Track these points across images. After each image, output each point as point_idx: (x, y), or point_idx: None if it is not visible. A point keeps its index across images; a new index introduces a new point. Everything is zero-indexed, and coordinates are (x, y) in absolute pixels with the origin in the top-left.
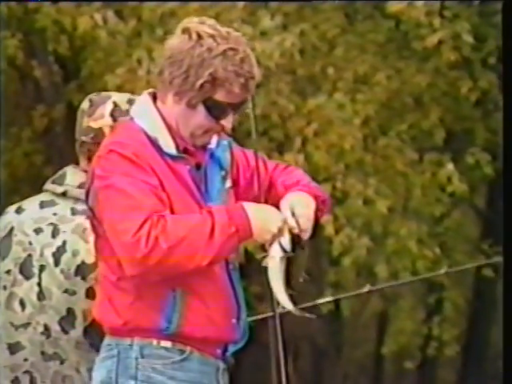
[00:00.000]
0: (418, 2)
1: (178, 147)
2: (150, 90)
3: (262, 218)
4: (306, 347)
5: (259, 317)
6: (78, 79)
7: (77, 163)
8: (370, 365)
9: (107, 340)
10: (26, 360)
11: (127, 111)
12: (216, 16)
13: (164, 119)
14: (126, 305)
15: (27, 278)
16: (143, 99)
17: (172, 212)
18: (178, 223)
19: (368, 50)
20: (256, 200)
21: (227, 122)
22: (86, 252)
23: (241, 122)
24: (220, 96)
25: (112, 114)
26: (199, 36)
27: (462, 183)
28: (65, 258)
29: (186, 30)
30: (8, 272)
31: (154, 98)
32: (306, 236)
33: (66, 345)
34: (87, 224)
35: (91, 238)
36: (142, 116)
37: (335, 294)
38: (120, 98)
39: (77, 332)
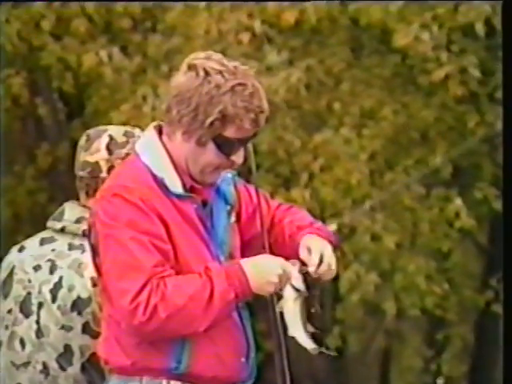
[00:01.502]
0: (424, 36)
1: (184, 186)
2: (156, 123)
3: (260, 272)
4: None
5: None
6: (82, 116)
7: (78, 199)
8: None
9: (114, 380)
10: None
11: (124, 144)
12: (222, 51)
13: (170, 156)
14: (134, 344)
15: (26, 316)
16: (149, 134)
17: (178, 253)
18: (177, 290)
19: (374, 84)
20: (258, 236)
21: (237, 158)
22: (82, 287)
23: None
24: (230, 132)
25: (108, 148)
26: (206, 72)
27: (470, 218)
28: (61, 293)
29: (192, 67)
30: (9, 311)
31: (160, 131)
32: (331, 276)
33: (64, 382)
34: (83, 259)
35: (86, 272)
36: (147, 153)
37: (343, 331)
38: (116, 131)
39: (74, 369)
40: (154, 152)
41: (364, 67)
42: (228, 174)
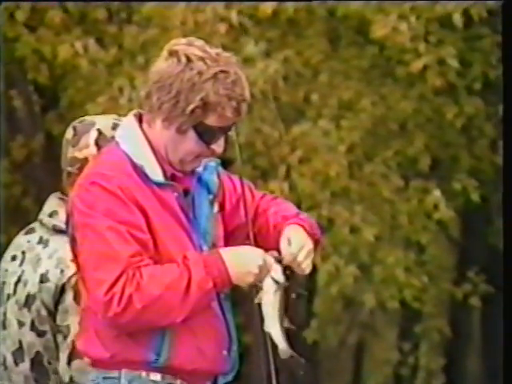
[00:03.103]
0: (402, 26)
1: (165, 174)
2: (135, 111)
3: (240, 262)
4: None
5: None
6: (57, 109)
7: (63, 192)
8: None
9: (92, 375)
10: None
11: (113, 137)
12: None
13: (150, 144)
14: (113, 337)
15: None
16: (128, 122)
17: (158, 243)
18: (153, 280)
19: (352, 76)
20: (242, 227)
21: (218, 147)
22: (32, 282)
23: (224, 148)
24: (211, 121)
25: (97, 143)
26: (188, 59)
27: (448, 210)
28: (19, 287)
29: (173, 53)
30: None
31: (140, 119)
32: (306, 271)
33: (16, 378)
34: (42, 254)
35: (39, 268)
36: (127, 141)
37: (321, 323)
38: (104, 123)
39: (25, 365)
40: (133, 140)
41: (342, 59)
42: (211, 163)
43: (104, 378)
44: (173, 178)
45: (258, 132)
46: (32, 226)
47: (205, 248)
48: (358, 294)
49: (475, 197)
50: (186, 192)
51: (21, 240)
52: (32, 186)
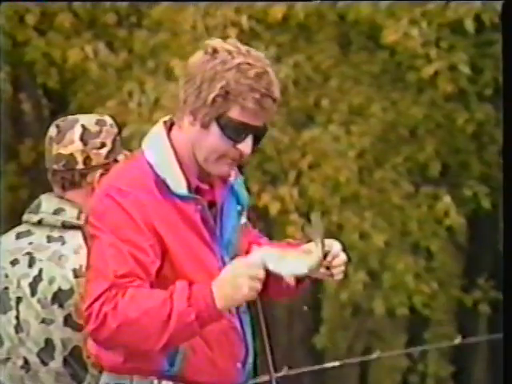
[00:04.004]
0: (413, 32)
1: (189, 186)
2: (166, 117)
3: (229, 288)
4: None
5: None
6: (66, 112)
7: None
8: None
9: (104, 378)
10: None
11: (97, 133)
12: None
13: (176, 154)
14: None
15: (4, 311)
16: (156, 130)
17: (173, 259)
18: (133, 302)
19: (363, 81)
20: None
21: (245, 147)
22: (62, 278)
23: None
24: (234, 113)
25: (82, 138)
26: (215, 50)
27: (459, 216)
28: (41, 286)
29: (204, 47)
30: None
31: (170, 127)
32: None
33: (45, 377)
34: (63, 251)
35: (67, 264)
36: (152, 150)
37: (330, 330)
38: (88, 119)
39: (56, 363)
40: (159, 149)
41: (352, 64)
42: (240, 178)
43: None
44: (198, 190)
45: (268, 137)
46: (20, 229)
47: (226, 259)
48: (368, 300)
49: (486, 203)
50: (211, 204)
51: (16, 245)
52: (39, 189)
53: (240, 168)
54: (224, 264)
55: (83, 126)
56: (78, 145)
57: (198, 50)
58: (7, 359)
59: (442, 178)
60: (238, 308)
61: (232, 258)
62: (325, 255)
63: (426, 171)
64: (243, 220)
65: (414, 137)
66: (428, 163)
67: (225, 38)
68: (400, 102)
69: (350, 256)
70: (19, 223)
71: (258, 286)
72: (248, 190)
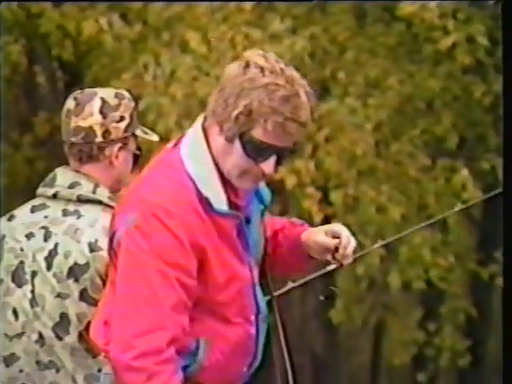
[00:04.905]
0: (431, 3)
1: (229, 202)
2: (202, 116)
3: None
4: (305, 359)
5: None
6: (81, 85)
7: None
8: (378, 375)
9: (109, 369)
10: (21, 371)
11: (116, 106)
12: (224, 19)
13: (216, 164)
14: None
15: (19, 285)
16: (195, 134)
17: (206, 270)
18: None
19: (379, 53)
20: None
21: (267, 167)
22: (79, 253)
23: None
24: (257, 133)
25: (101, 111)
26: (247, 64)
27: (476, 189)
28: (57, 260)
29: (240, 59)
30: (0, 282)
31: (205, 129)
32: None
33: (60, 352)
34: (79, 224)
35: (83, 238)
36: (193, 159)
37: (346, 304)
38: (107, 93)
39: (71, 337)
40: (200, 160)
41: (369, 36)
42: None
43: None
44: (236, 206)
45: None
46: (35, 203)
47: (253, 263)
48: (384, 273)
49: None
50: (248, 220)
51: (31, 218)
52: (55, 162)
53: None
54: (251, 268)
55: (102, 99)
56: (98, 118)
57: (213, 22)
58: (22, 333)
59: (459, 150)
60: (257, 315)
61: (256, 260)
62: (336, 248)
63: (443, 144)
64: (265, 216)
65: (430, 109)
66: (445, 136)
67: (240, 9)
68: (417, 75)
69: (367, 229)
70: (35, 195)
71: None
72: None
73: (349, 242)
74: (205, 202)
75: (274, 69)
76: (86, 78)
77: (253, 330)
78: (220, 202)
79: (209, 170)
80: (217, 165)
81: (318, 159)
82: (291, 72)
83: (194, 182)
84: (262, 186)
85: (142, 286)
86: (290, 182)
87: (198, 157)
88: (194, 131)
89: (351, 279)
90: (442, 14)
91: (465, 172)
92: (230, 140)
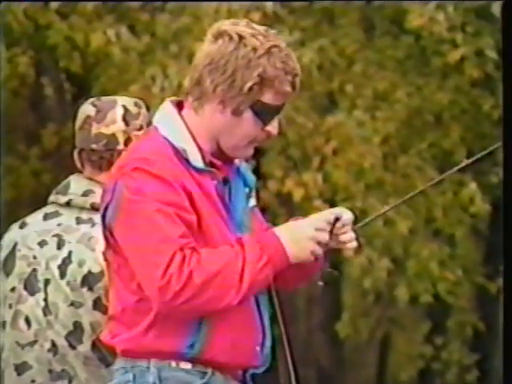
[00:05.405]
0: (439, 17)
1: (204, 160)
2: (172, 98)
3: (293, 238)
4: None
5: None
6: (89, 97)
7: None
8: None
9: (120, 363)
10: (33, 381)
11: (137, 115)
12: None
13: (190, 130)
14: (144, 329)
15: (32, 293)
16: (167, 108)
17: (201, 222)
18: (211, 256)
19: (387, 66)
20: None
21: (273, 128)
22: (93, 261)
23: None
24: (268, 98)
25: (124, 119)
26: (240, 36)
27: (484, 203)
28: (70, 269)
29: (222, 33)
30: (13, 289)
31: (178, 107)
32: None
33: (73, 361)
34: (93, 233)
35: (98, 246)
36: (166, 126)
37: (352, 317)
38: (127, 101)
39: (85, 347)
40: (173, 124)
41: (377, 48)
42: (244, 164)
43: (132, 367)
44: (211, 165)
45: (292, 122)
46: (47, 210)
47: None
48: (391, 287)
49: None
50: (225, 181)
51: (44, 226)
52: (62, 174)
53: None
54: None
55: (125, 107)
56: (121, 125)
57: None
58: (34, 342)
59: (468, 164)
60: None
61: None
62: (334, 222)
63: (451, 157)
64: (252, 203)
65: (439, 123)
66: (453, 149)
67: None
68: (425, 88)
69: (374, 243)
70: (41, 207)
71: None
72: (272, 175)
73: (347, 213)
74: (182, 158)
75: (262, 32)
76: (93, 89)
77: (253, 302)
78: (195, 158)
79: (181, 131)
80: (190, 130)
81: (326, 172)
82: (268, 30)
83: (169, 141)
84: (247, 170)
85: (149, 228)
86: (298, 194)
87: (169, 122)
88: (164, 105)
89: (358, 293)
90: (450, 27)
91: (473, 186)
92: (239, 113)
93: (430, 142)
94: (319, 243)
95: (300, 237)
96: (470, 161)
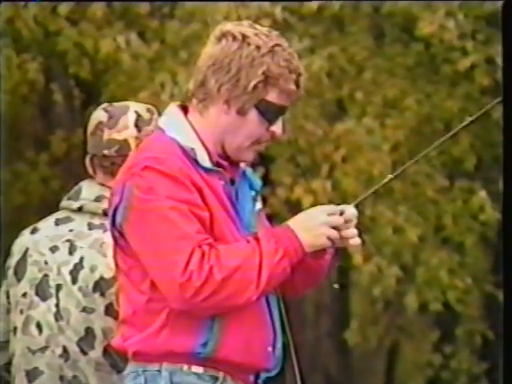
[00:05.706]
0: (449, 24)
1: (211, 160)
2: (176, 102)
3: (307, 226)
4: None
5: None
6: (98, 103)
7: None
8: None
9: (131, 367)
10: None
11: (149, 121)
12: None
13: (196, 131)
14: (156, 330)
15: (43, 299)
16: (172, 111)
17: (213, 220)
18: (230, 252)
19: (397, 73)
20: None
21: (277, 128)
22: (105, 267)
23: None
24: (272, 97)
25: (136, 125)
26: (244, 36)
27: (494, 211)
28: (82, 274)
29: (226, 34)
30: (24, 295)
31: (183, 111)
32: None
33: (85, 367)
34: (105, 238)
35: (109, 252)
36: (173, 127)
37: (361, 325)
38: (139, 107)
39: (96, 352)
40: (179, 126)
41: (387, 56)
42: (249, 168)
43: (144, 371)
44: (218, 165)
45: (301, 129)
46: (59, 216)
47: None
48: (400, 295)
49: None
50: (232, 182)
51: (55, 231)
52: (70, 181)
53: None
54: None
55: (137, 113)
56: (133, 131)
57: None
58: (45, 348)
59: (477, 172)
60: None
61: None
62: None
63: (461, 165)
64: (258, 206)
65: (448, 130)
66: (463, 157)
67: None
68: (435, 95)
69: (384, 250)
70: (50, 213)
71: (337, 234)
72: (281, 182)
73: (350, 209)
74: (190, 157)
75: (264, 32)
76: (102, 96)
77: (264, 303)
78: (203, 158)
79: (188, 132)
80: (196, 132)
81: (335, 179)
82: (271, 30)
83: (176, 142)
84: (252, 174)
85: (164, 226)
86: (307, 202)
87: (176, 124)
88: (169, 109)
89: (367, 300)
90: (460, 34)
91: (482, 193)
92: (244, 113)
93: (440, 149)
94: (334, 228)
95: (313, 224)
96: (471, 119)
